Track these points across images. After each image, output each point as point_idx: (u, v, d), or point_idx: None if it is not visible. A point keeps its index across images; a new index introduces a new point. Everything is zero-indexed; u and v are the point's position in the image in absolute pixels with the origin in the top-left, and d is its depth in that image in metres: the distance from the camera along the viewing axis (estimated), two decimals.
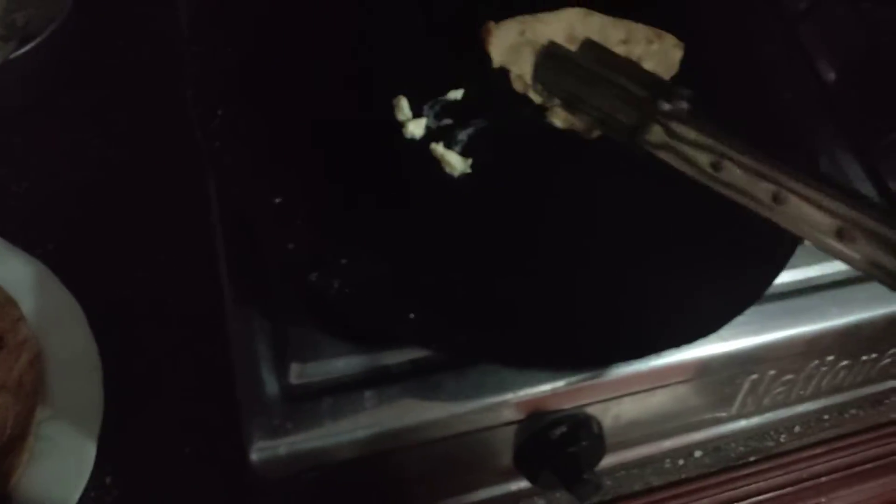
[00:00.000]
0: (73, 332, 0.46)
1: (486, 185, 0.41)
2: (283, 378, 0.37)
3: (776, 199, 0.34)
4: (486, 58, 0.44)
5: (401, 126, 0.41)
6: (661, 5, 0.48)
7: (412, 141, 0.41)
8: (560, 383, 0.38)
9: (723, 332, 0.38)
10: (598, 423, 0.41)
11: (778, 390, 0.48)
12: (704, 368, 0.42)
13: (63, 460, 0.42)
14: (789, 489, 0.51)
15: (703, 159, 0.35)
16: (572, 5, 0.45)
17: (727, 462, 0.51)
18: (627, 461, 0.48)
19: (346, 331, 0.38)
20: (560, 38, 0.42)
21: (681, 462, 0.50)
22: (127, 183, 0.54)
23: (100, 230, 0.52)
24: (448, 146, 0.41)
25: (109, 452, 0.43)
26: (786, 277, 0.42)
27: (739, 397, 0.47)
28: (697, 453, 0.51)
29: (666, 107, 0.35)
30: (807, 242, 0.35)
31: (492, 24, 0.44)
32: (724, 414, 0.48)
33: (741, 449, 0.51)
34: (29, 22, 0.54)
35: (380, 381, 0.37)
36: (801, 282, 0.43)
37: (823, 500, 0.51)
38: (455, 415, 0.38)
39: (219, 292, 0.41)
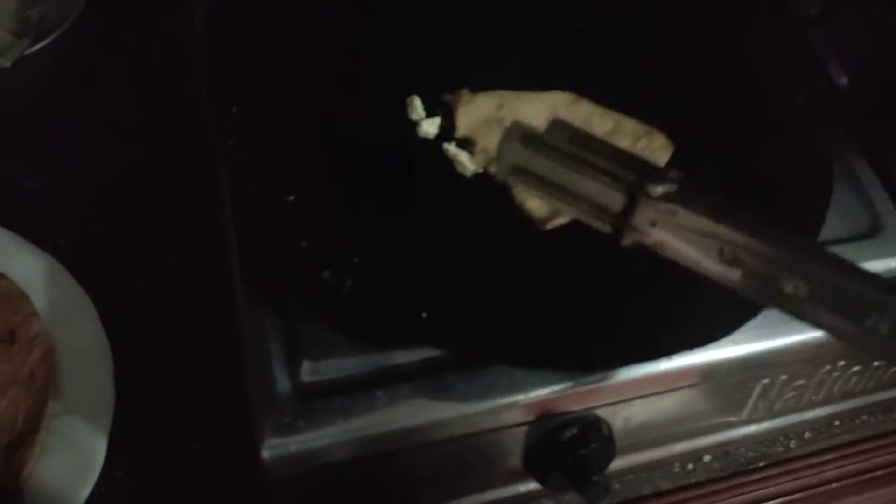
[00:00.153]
0: (85, 328, 0.46)
1: (499, 185, 0.41)
2: (295, 376, 0.37)
3: (795, 294, 0.28)
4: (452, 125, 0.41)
5: (414, 125, 0.42)
6: (671, 13, 0.48)
7: (425, 140, 0.41)
8: (570, 385, 0.38)
9: (735, 336, 0.38)
10: (609, 426, 0.41)
11: (789, 395, 0.47)
12: (715, 372, 0.42)
13: (74, 455, 0.43)
14: (799, 495, 0.51)
15: (707, 247, 0.30)
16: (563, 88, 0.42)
17: (737, 467, 0.51)
18: (637, 464, 0.48)
19: (357, 329, 0.38)
20: (539, 121, 0.37)
21: (690, 466, 0.50)
22: (139, 180, 0.54)
23: (111, 226, 0.52)
24: (460, 146, 0.41)
25: (120, 448, 0.44)
26: None
27: (750, 402, 0.47)
28: (707, 458, 0.51)
29: (658, 190, 0.30)
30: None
31: (466, 93, 0.41)
32: (734, 418, 0.48)
33: (751, 454, 0.51)
34: (43, 19, 0.54)
35: (391, 381, 0.37)
36: None
37: None
38: (465, 415, 0.38)
39: (230, 290, 0.41)
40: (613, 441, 0.42)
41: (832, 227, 0.43)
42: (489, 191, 0.40)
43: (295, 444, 0.35)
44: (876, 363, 0.48)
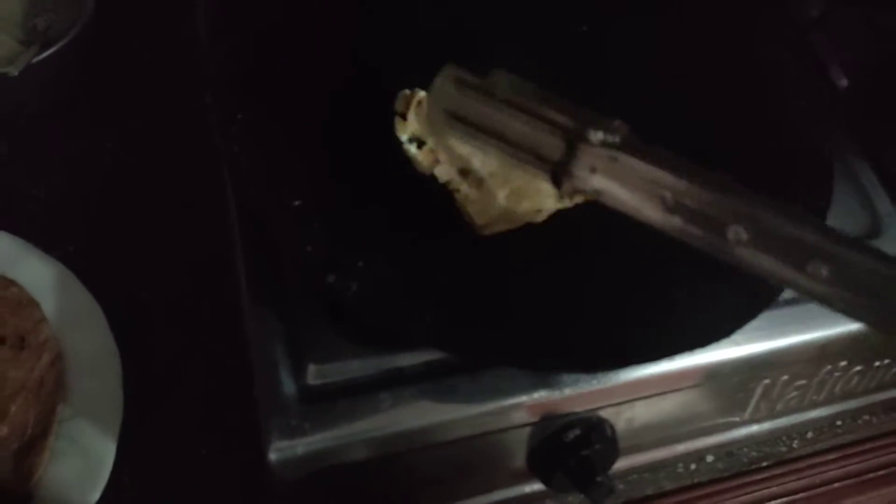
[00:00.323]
0: (93, 333, 0.46)
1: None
2: (301, 379, 0.37)
3: (738, 240, 0.28)
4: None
5: None
6: (672, 13, 0.48)
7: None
8: (573, 386, 0.39)
9: (736, 336, 0.38)
10: (612, 427, 0.42)
11: (791, 395, 0.48)
12: (717, 373, 0.42)
13: (83, 460, 0.43)
14: (802, 495, 0.51)
15: (651, 192, 0.29)
16: None
17: (740, 467, 0.51)
18: (640, 465, 0.49)
19: (362, 332, 0.38)
20: None
21: (693, 466, 0.50)
22: (145, 186, 0.54)
23: (119, 232, 0.52)
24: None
25: (128, 452, 0.44)
26: None
27: (752, 402, 0.47)
28: (710, 458, 0.51)
29: (598, 136, 0.29)
30: None
31: (420, 93, 0.37)
32: (736, 419, 0.48)
33: (754, 454, 0.51)
34: (50, 27, 0.55)
35: (396, 383, 0.38)
36: None
37: None
38: (469, 417, 0.38)
39: (236, 294, 0.41)
40: (617, 442, 0.42)
41: None
42: None
43: (301, 446, 0.36)
44: (877, 363, 0.48)
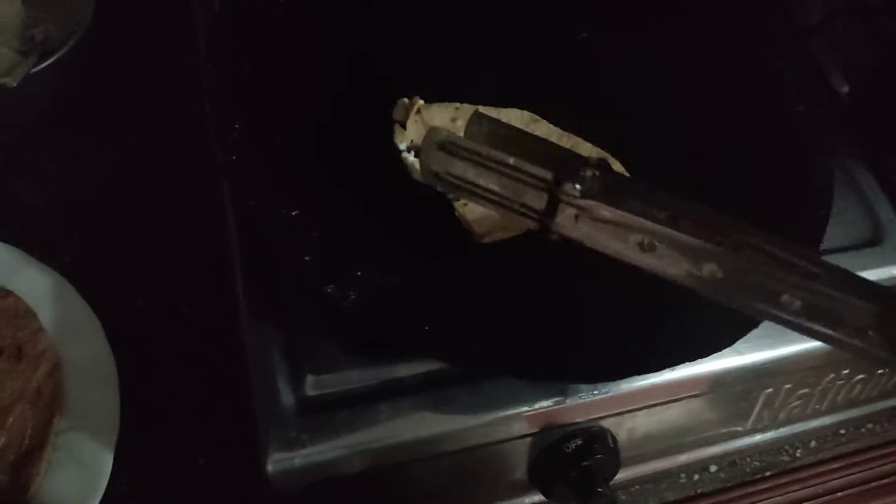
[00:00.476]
0: (91, 343, 0.46)
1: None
2: (299, 390, 0.37)
3: (713, 279, 0.29)
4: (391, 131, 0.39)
5: None
6: (672, 19, 0.48)
7: None
8: (574, 396, 0.38)
9: (738, 345, 0.38)
10: (613, 437, 0.41)
11: (793, 404, 0.47)
12: (719, 382, 0.42)
13: (81, 471, 0.43)
14: None
15: (628, 240, 0.31)
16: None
17: (743, 477, 0.51)
18: (642, 476, 0.48)
19: (361, 343, 0.38)
20: None
21: (696, 477, 0.50)
22: (143, 195, 0.54)
23: (116, 242, 0.52)
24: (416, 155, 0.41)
25: (125, 462, 0.44)
26: None
27: (755, 411, 0.47)
28: (713, 468, 0.50)
29: (576, 188, 0.30)
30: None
31: (418, 101, 0.39)
32: (739, 428, 0.48)
33: (757, 464, 0.51)
34: (47, 38, 0.55)
35: (394, 394, 0.38)
36: None
37: None
38: (469, 427, 0.38)
39: (234, 304, 0.41)
40: (618, 452, 0.42)
41: (834, 235, 0.43)
42: None
43: (299, 457, 0.36)
44: (880, 371, 0.48)
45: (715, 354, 0.38)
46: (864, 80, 0.54)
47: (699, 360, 0.38)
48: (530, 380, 0.38)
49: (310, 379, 0.37)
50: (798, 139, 0.46)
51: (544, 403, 0.38)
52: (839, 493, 0.51)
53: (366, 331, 0.36)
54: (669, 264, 0.30)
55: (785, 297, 0.29)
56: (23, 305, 0.47)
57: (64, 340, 0.46)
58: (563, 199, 0.31)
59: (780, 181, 0.43)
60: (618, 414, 0.41)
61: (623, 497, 0.48)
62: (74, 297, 0.47)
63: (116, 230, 0.53)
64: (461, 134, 0.35)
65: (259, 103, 0.41)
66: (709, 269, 0.30)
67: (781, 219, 0.40)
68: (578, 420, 0.40)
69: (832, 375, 0.46)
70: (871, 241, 0.46)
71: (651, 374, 0.39)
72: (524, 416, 0.38)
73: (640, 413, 0.42)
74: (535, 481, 0.42)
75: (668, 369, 0.38)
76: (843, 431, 0.53)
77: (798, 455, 0.52)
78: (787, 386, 0.45)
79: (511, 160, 0.32)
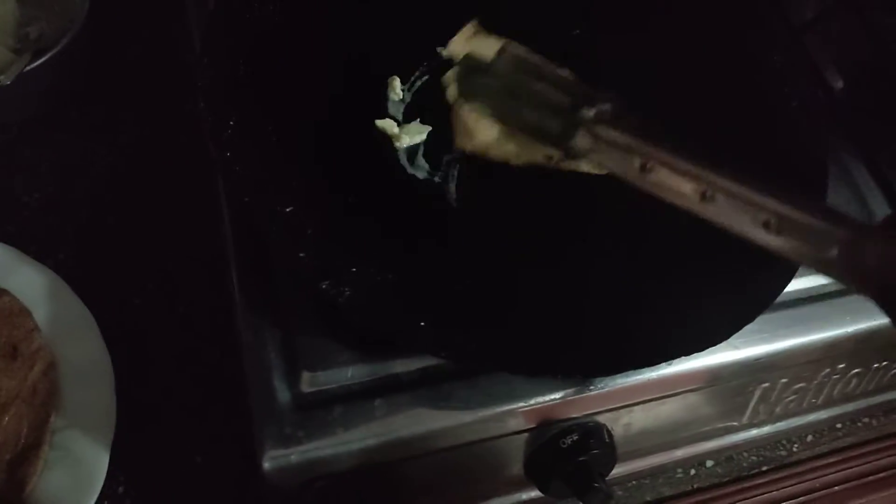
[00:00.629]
0: (86, 342, 0.46)
1: (496, 194, 0.41)
2: (295, 386, 0.37)
3: (703, 197, 0.34)
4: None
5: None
6: (666, 18, 0.48)
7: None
8: (570, 391, 0.39)
9: (734, 340, 0.38)
10: (609, 432, 0.41)
11: (790, 399, 0.47)
12: (715, 377, 0.42)
13: (77, 469, 0.43)
14: (802, 499, 0.50)
15: (632, 162, 0.35)
16: None
17: (739, 472, 0.51)
18: (638, 471, 0.48)
19: (356, 339, 0.38)
20: None
21: (692, 472, 0.50)
22: (138, 193, 0.54)
23: (111, 240, 0.52)
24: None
25: (121, 461, 0.44)
26: (797, 285, 0.42)
27: (751, 406, 0.47)
28: (709, 463, 0.51)
29: (589, 113, 0.35)
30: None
31: (476, 25, 0.41)
32: (735, 423, 0.48)
33: (753, 458, 0.51)
34: (41, 36, 0.55)
35: (390, 390, 0.38)
36: (812, 289, 0.43)
37: None
38: (465, 423, 0.38)
39: (230, 301, 0.41)
40: (615, 447, 0.42)
41: None
42: (486, 199, 0.41)
43: (295, 454, 0.35)
44: (876, 365, 0.48)
45: (711, 349, 0.38)
46: (859, 75, 0.54)
47: (695, 354, 0.38)
48: (526, 375, 0.38)
49: (305, 375, 0.37)
50: (793, 134, 0.46)
51: (540, 399, 0.38)
52: (836, 488, 0.51)
53: (361, 327, 0.36)
54: (671, 186, 0.34)
55: (768, 223, 0.33)
56: (18, 304, 0.47)
57: (59, 339, 0.46)
58: (580, 123, 0.35)
59: (775, 175, 0.43)
60: (614, 409, 0.41)
61: (620, 492, 0.48)
62: (70, 296, 0.47)
63: (111, 228, 0.53)
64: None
65: (253, 101, 0.40)
66: (706, 189, 0.34)
67: None
68: (574, 415, 0.40)
69: (828, 370, 0.46)
70: None
71: (647, 369, 0.39)
72: (520, 411, 0.38)
73: (636, 408, 0.42)
74: (532, 477, 0.43)
75: (663, 364, 0.38)
76: (839, 426, 0.53)
77: (795, 450, 0.52)
78: (784, 380, 0.45)
79: (535, 86, 0.36)
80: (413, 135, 0.42)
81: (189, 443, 0.46)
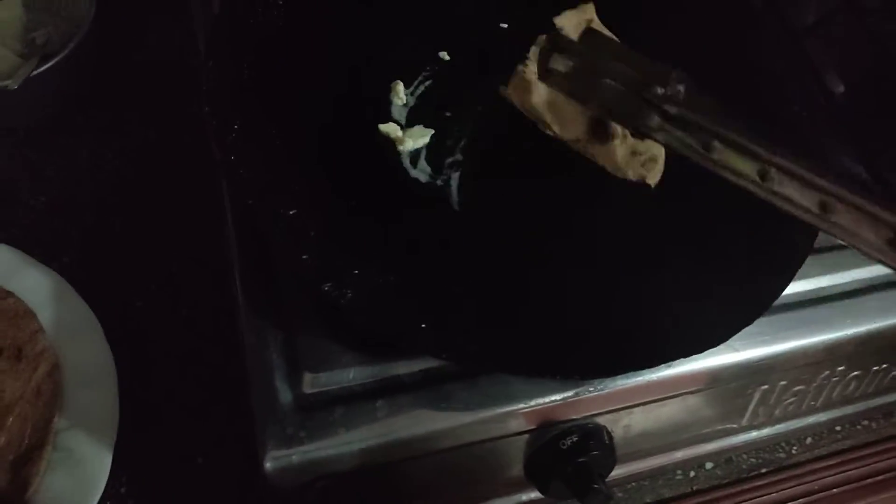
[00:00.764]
0: (90, 343, 0.46)
1: (497, 197, 0.41)
2: (297, 388, 0.37)
3: (763, 177, 0.35)
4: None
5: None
6: (668, 21, 0.48)
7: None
8: (570, 393, 0.39)
9: (733, 342, 0.38)
10: (609, 433, 0.42)
11: (789, 401, 0.47)
12: (715, 379, 0.42)
13: (80, 470, 0.43)
14: (801, 501, 0.51)
15: (696, 141, 0.37)
16: None
17: (738, 474, 0.51)
18: (638, 472, 0.48)
19: (358, 340, 0.38)
20: None
21: (692, 474, 0.50)
22: (142, 196, 0.55)
23: (115, 243, 0.53)
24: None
25: (124, 462, 0.44)
26: (797, 287, 0.42)
27: (750, 408, 0.47)
28: (709, 465, 0.51)
29: (660, 91, 0.37)
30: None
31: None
32: (734, 425, 0.48)
33: (752, 460, 0.51)
34: (48, 41, 0.55)
35: (391, 391, 0.38)
36: (811, 292, 0.43)
37: None
38: (466, 424, 0.38)
39: (233, 303, 0.41)
40: (614, 448, 0.42)
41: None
42: (486, 202, 0.41)
43: (297, 454, 0.36)
44: (875, 367, 0.48)
45: (710, 351, 0.38)
46: (860, 79, 0.54)
47: (694, 356, 0.38)
48: (526, 376, 0.38)
49: (307, 377, 0.37)
50: (794, 138, 0.46)
51: (540, 400, 0.38)
52: (835, 490, 0.51)
53: (363, 329, 0.37)
54: (732, 165, 0.36)
55: (829, 207, 0.34)
56: (22, 306, 0.47)
57: (64, 340, 0.47)
58: (653, 101, 0.37)
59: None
60: (614, 410, 0.41)
61: (619, 494, 0.48)
62: (74, 298, 0.48)
63: (116, 231, 0.53)
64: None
65: (257, 104, 0.41)
66: (772, 172, 0.35)
67: (776, 218, 0.41)
68: (574, 417, 0.40)
69: (827, 372, 0.46)
70: None
71: (646, 371, 0.39)
72: (520, 412, 0.38)
73: (635, 410, 0.42)
74: (532, 478, 0.43)
75: (663, 366, 0.38)
76: (838, 428, 0.53)
77: (794, 452, 0.52)
78: (783, 383, 0.46)
79: (613, 65, 0.38)
80: (416, 138, 0.42)
81: (191, 443, 0.46)
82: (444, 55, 0.46)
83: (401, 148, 0.42)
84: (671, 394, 0.42)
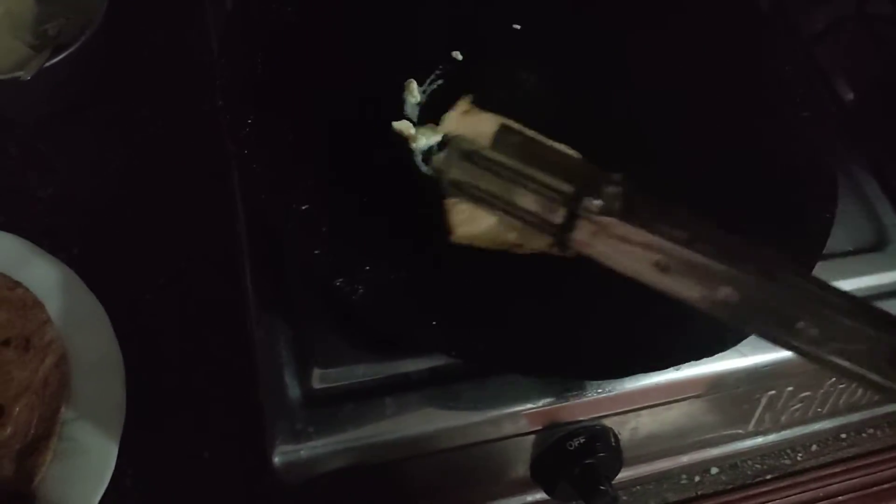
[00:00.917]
0: (98, 335, 0.46)
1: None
2: (306, 383, 0.37)
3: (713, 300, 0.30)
4: None
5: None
6: (678, 27, 0.48)
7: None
8: (578, 394, 0.39)
9: (741, 347, 0.38)
10: (616, 436, 0.42)
11: (795, 407, 0.47)
12: (722, 383, 0.42)
13: (86, 461, 0.43)
14: None
15: (642, 259, 0.31)
16: None
17: (744, 479, 0.51)
18: (643, 476, 0.48)
19: (368, 337, 0.38)
20: None
21: (697, 478, 0.50)
22: (152, 189, 0.55)
23: (124, 235, 0.53)
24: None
25: (130, 454, 0.44)
26: None
27: (757, 414, 0.47)
28: (714, 470, 0.51)
29: (595, 204, 0.31)
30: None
31: (468, 102, 0.41)
32: (741, 431, 0.48)
33: (758, 466, 0.51)
34: (60, 33, 0.55)
35: (400, 389, 0.38)
36: None
37: None
38: (473, 424, 0.38)
39: (242, 298, 0.41)
40: (621, 451, 0.42)
41: (838, 240, 0.43)
42: None
43: (305, 450, 0.36)
44: None
45: (718, 355, 0.38)
46: (869, 86, 0.55)
47: (702, 360, 0.38)
48: (535, 377, 0.38)
49: (316, 372, 0.37)
50: (803, 145, 0.46)
51: (548, 401, 0.38)
52: (840, 497, 0.51)
53: (373, 324, 0.37)
54: (685, 286, 0.30)
55: (801, 325, 0.29)
56: (31, 297, 0.47)
57: (71, 332, 0.47)
58: (582, 215, 0.31)
59: (785, 186, 0.43)
60: (621, 413, 0.41)
61: (624, 497, 0.48)
62: (82, 289, 0.48)
63: (125, 223, 0.53)
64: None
65: (271, 100, 0.41)
66: (724, 292, 0.30)
67: (786, 223, 0.41)
68: (581, 418, 0.40)
69: (834, 379, 0.46)
70: (875, 247, 0.47)
71: (654, 374, 0.39)
72: (528, 413, 0.38)
73: (642, 413, 0.42)
74: (538, 478, 0.43)
75: (671, 369, 0.38)
76: (844, 436, 0.53)
77: (799, 458, 0.52)
78: (790, 388, 0.46)
79: (533, 173, 0.32)
80: (429, 136, 0.42)
81: (198, 438, 0.46)
82: (457, 55, 0.46)
83: (413, 145, 0.42)
84: (679, 397, 0.42)
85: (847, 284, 0.43)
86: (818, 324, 0.29)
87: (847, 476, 0.51)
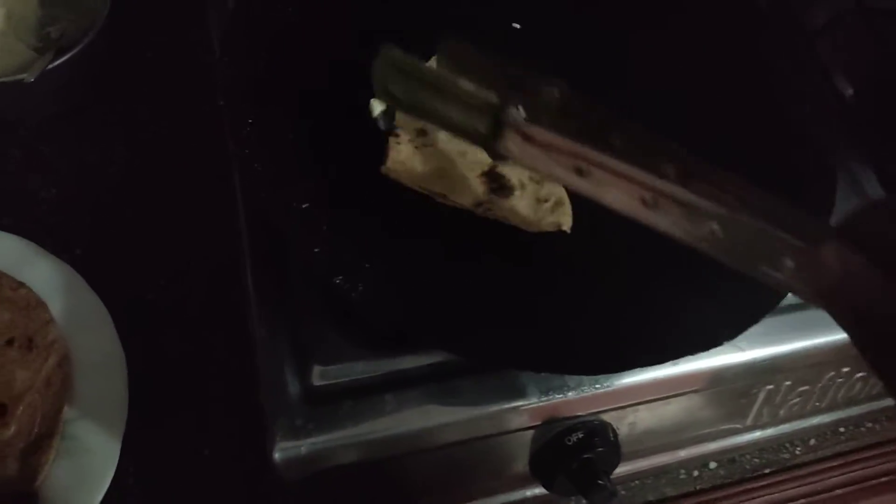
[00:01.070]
0: (100, 335, 0.47)
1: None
2: (306, 380, 0.38)
3: (645, 203, 0.30)
4: None
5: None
6: (680, 22, 0.48)
7: None
8: (576, 389, 0.39)
9: (739, 341, 0.38)
10: (614, 431, 0.42)
11: (794, 401, 0.48)
12: (720, 378, 0.42)
13: (88, 460, 0.43)
14: (803, 501, 0.51)
15: (566, 166, 0.31)
16: None
17: (742, 474, 0.51)
18: (642, 471, 0.49)
19: (368, 334, 0.38)
20: None
21: (695, 473, 0.50)
22: (154, 189, 0.55)
23: (127, 236, 0.53)
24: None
25: (132, 453, 0.44)
26: None
27: (755, 408, 0.47)
28: (712, 464, 0.51)
29: (519, 113, 0.31)
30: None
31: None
32: (739, 425, 0.48)
33: (756, 461, 0.52)
34: (63, 35, 0.56)
35: (400, 385, 0.38)
36: None
37: None
38: (472, 419, 0.39)
39: (243, 296, 0.42)
40: (619, 446, 0.42)
41: None
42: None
43: (305, 446, 0.36)
44: None
45: (716, 350, 0.38)
46: (869, 82, 0.54)
47: (700, 355, 0.38)
48: (533, 372, 0.38)
49: (316, 369, 0.38)
50: (802, 139, 0.46)
51: (546, 396, 0.39)
52: (838, 491, 0.51)
53: (373, 322, 0.37)
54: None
55: (710, 225, 0.29)
56: (34, 296, 0.47)
57: (74, 331, 0.47)
58: (508, 123, 0.31)
59: (783, 181, 0.43)
60: (619, 408, 0.41)
61: (623, 492, 0.48)
62: (85, 289, 0.48)
63: (127, 224, 0.54)
64: None
65: (272, 99, 0.41)
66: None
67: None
68: (580, 413, 0.40)
69: (832, 373, 0.47)
70: None
71: (652, 369, 0.39)
72: (526, 408, 0.39)
73: (641, 407, 0.42)
74: (537, 473, 0.43)
75: (669, 364, 0.38)
76: (842, 429, 0.53)
77: (797, 452, 0.52)
78: (788, 383, 0.46)
79: (462, 83, 0.32)
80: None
81: (199, 435, 0.46)
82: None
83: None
84: (677, 392, 0.42)
85: None
86: (724, 224, 0.29)
87: (845, 470, 0.51)
